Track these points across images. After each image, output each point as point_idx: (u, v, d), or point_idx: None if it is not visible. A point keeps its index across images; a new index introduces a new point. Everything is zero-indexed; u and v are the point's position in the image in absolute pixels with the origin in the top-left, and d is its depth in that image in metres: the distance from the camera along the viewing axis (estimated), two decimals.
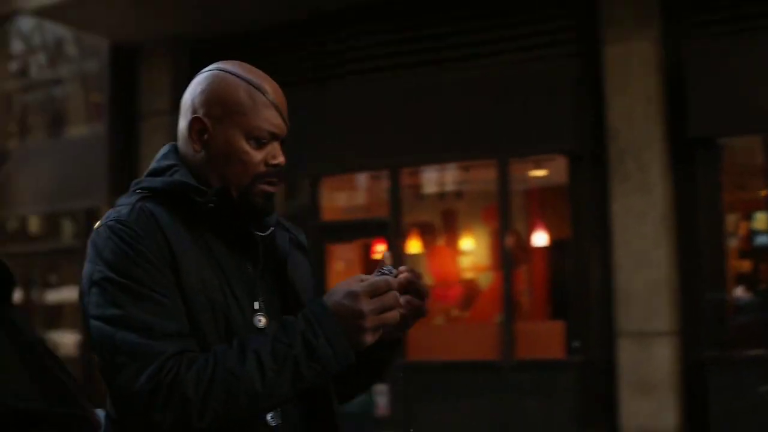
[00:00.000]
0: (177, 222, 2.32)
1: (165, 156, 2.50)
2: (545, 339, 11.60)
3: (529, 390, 11.29)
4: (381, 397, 12.45)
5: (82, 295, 2.29)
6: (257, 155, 2.37)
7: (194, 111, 2.41)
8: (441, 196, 12.92)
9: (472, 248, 12.59)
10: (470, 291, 12.55)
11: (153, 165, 2.50)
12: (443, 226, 12.76)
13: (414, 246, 12.74)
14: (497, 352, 11.62)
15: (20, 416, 3.20)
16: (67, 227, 16.27)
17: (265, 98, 2.39)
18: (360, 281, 2.25)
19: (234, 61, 2.49)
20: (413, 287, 2.42)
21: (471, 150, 12.13)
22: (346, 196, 13.49)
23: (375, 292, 2.22)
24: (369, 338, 2.21)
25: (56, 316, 15.66)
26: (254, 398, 2.13)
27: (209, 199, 2.35)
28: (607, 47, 11.26)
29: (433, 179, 13.03)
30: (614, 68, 11.21)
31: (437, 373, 11.94)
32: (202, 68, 2.54)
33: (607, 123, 11.21)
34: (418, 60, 12.50)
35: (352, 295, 2.21)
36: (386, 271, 2.32)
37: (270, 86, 2.43)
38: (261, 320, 2.33)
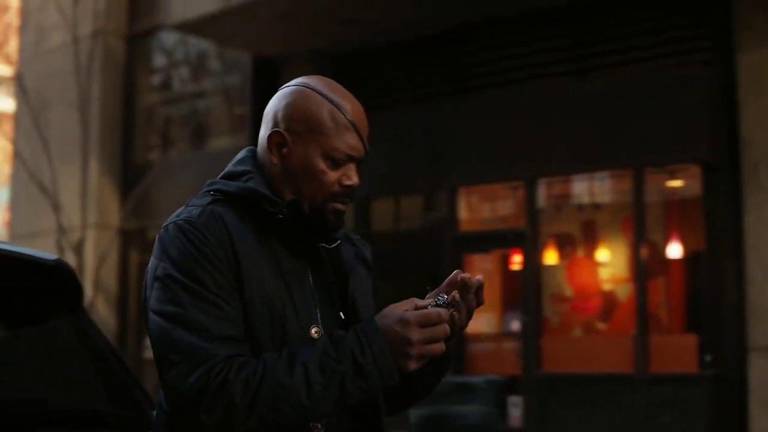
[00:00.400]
0: (246, 228, 2.37)
1: (242, 161, 2.54)
2: (678, 352, 11.45)
3: (662, 403, 11.15)
4: (515, 408, 12.47)
5: (145, 288, 2.36)
6: (333, 175, 2.41)
7: (276, 124, 2.45)
8: (580, 207, 12.86)
9: (610, 260, 12.52)
10: (609, 303, 12.49)
11: (229, 168, 2.55)
12: (582, 237, 12.71)
13: (551, 257, 12.73)
14: (632, 365, 11.54)
15: (87, 418, 3.37)
16: None
17: (346, 120, 2.41)
18: (414, 307, 2.28)
19: (320, 78, 2.50)
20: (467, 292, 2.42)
21: (607, 160, 12.10)
22: (484, 206, 13.52)
23: (426, 323, 2.25)
24: (413, 365, 2.26)
25: None
26: (299, 410, 2.19)
27: (280, 211, 2.38)
28: (741, 55, 11.11)
29: (572, 189, 12.99)
30: (748, 76, 11.05)
31: (572, 385, 11.90)
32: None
33: (740, 132, 11.07)
34: (554, 71, 12.51)
35: (404, 322, 2.24)
36: (441, 302, 2.32)
37: (352, 107, 2.44)
38: (317, 332, 2.36)
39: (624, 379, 11.49)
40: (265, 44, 14.34)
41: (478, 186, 13.32)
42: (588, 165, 12.31)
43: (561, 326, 12.66)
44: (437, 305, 2.30)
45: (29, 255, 3.54)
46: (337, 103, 2.42)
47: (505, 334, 12.94)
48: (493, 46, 13.01)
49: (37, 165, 16.97)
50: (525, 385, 12.37)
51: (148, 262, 2.41)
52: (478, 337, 12.90)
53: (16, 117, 20.33)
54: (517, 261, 12.92)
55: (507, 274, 13.20)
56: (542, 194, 12.76)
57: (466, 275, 2.41)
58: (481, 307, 2.49)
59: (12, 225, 19.16)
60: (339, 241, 2.53)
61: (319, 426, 2.32)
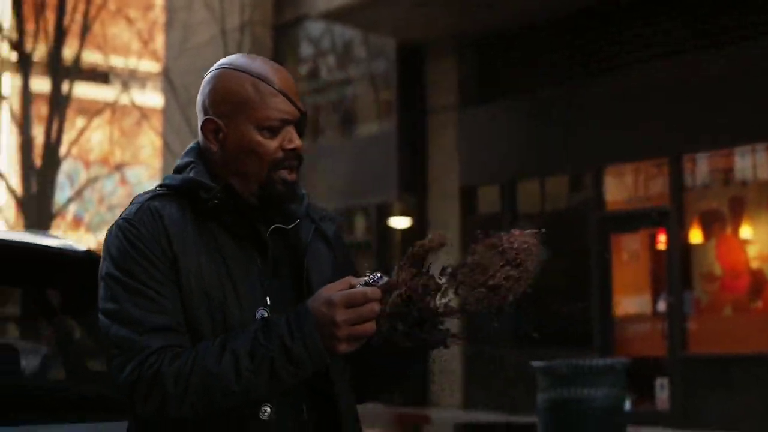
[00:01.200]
0: (187, 219, 2.39)
1: (187, 153, 2.54)
2: None
3: None
4: (661, 390, 12.40)
5: None
6: (272, 143, 2.39)
7: (206, 111, 2.44)
8: (726, 183, 12.69)
9: (759, 237, 12.33)
10: (758, 281, 12.31)
11: (177, 162, 2.54)
12: (730, 213, 12.55)
13: (696, 235, 12.62)
14: None
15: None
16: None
17: (270, 87, 2.40)
18: (348, 286, 2.24)
19: (238, 55, 2.50)
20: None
21: (753, 134, 11.95)
22: (629, 185, 13.45)
23: (351, 303, 2.21)
24: (342, 347, 2.22)
25: None
26: (230, 396, 2.22)
27: (214, 196, 2.38)
28: None
29: (719, 165, 12.81)
30: None
31: (720, 365, 11.79)
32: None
33: None
34: (692, 46, 12.42)
35: (329, 303, 2.21)
36: (371, 281, 2.24)
37: (274, 74, 2.43)
38: (264, 316, 2.34)
39: None
40: (408, 30, 14.55)
41: (622, 164, 13.29)
42: (735, 140, 12.17)
43: (710, 306, 12.53)
44: (366, 284, 2.23)
45: (60, 247, 3.71)
46: (258, 74, 2.42)
47: (655, 315, 12.89)
48: (635, 23, 12.96)
49: None
50: (671, 367, 12.30)
51: None
52: (629, 318, 12.90)
53: (165, 112, 20.98)
54: (662, 240, 12.84)
55: (655, 254, 13.14)
56: (687, 171, 12.66)
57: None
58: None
59: None
60: (298, 221, 2.50)
61: (268, 410, 2.33)
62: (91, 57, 23.28)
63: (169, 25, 20.98)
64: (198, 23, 18.97)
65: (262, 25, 18.44)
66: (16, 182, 20.99)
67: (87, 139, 25.80)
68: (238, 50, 17.31)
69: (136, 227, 2.36)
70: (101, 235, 18.79)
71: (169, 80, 19.40)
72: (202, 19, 18.80)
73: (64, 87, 20.46)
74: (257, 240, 2.43)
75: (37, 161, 19.79)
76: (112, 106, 23.71)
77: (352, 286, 2.24)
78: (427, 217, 15.39)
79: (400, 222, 15.79)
